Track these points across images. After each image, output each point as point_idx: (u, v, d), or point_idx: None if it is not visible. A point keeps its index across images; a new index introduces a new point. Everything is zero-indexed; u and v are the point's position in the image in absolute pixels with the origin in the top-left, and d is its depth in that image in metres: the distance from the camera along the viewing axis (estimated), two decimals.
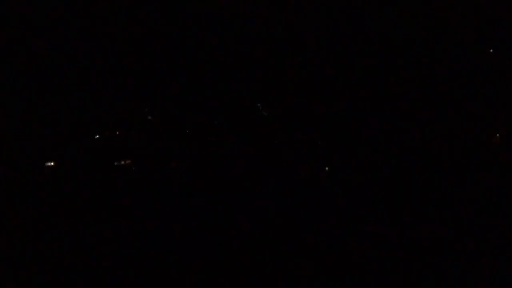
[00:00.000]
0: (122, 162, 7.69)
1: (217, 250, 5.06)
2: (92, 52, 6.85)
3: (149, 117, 7.26)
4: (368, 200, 6.01)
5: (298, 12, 6.98)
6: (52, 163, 6.90)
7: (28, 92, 6.59)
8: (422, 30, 6.96)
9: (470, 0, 6.99)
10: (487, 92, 6.92)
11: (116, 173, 6.81)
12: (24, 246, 5.00)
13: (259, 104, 6.80)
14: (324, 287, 4.35)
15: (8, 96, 6.57)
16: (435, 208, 5.79)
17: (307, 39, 6.94)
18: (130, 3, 6.83)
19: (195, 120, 6.87)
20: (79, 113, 6.83)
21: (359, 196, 6.12)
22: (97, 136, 7.73)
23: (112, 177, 6.60)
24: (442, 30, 7.00)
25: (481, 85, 6.92)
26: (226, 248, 5.11)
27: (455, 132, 6.94)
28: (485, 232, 5.16)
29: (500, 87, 7.00)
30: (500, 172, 6.44)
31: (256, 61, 6.78)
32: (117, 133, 7.75)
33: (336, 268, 4.64)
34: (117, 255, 4.95)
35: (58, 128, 6.75)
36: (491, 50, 7.45)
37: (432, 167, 6.53)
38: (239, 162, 6.57)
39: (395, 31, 6.97)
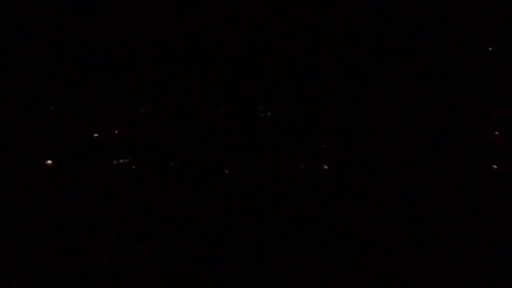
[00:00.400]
0: (121, 161, 7.67)
1: (216, 250, 5.06)
2: (92, 49, 6.84)
3: (149, 116, 7.25)
4: (367, 199, 6.02)
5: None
6: (50, 162, 6.87)
7: (28, 89, 6.57)
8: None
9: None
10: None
11: (115, 172, 6.79)
12: (24, 245, 5.00)
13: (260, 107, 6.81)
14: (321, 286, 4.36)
15: (7, 93, 6.56)
16: (436, 207, 5.81)
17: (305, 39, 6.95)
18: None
19: (195, 118, 6.86)
20: (78, 111, 6.80)
21: (358, 195, 6.13)
22: (96, 135, 7.72)
23: (110, 176, 6.58)
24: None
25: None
26: (225, 248, 5.11)
27: (456, 129, 6.95)
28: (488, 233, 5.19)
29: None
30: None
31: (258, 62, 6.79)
32: (116, 132, 7.74)
33: (334, 268, 4.64)
34: (117, 255, 4.94)
35: (57, 126, 6.73)
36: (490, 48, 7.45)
37: (433, 167, 6.54)
38: (238, 161, 6.56)
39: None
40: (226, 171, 6.80)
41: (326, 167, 6.69)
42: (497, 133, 7.03)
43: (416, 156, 6.64)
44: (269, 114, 6.90)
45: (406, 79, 6.74)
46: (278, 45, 6.95)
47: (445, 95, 6.66)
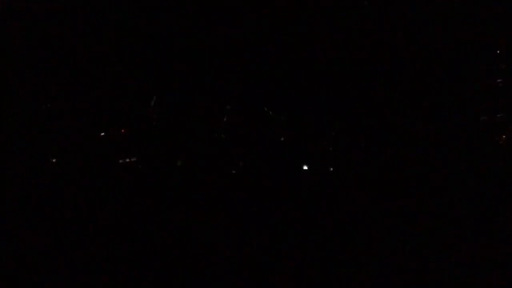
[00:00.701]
0: (127, 160, 7.70)
1: (221, 250, 5.06)
2: (96, 48, 6.87)
3: (155, 115, 7.27)
4: (372, 201, 6.00)
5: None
6: (54, 160, 6.89)
7: (31, 88, 6.61)
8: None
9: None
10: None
11: (121, 171, 6.81)
12: (25, 245, 5.01)
13: (265, 108, 6.81)
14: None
15: (10, 91, 6.59)
16: (442, 210, 5.79)
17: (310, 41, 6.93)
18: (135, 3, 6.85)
19: (202, 118, 6.87)
20: (84, 110, 6.83)
21: (363, 197, 6.12)
22: (102, 134, 7.75)
23: (116, 175, 6.60)
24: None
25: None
26: (230, 248, 5.11)
27: (461, 131, 6.92)
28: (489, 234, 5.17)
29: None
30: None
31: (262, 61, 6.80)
32: (122, 131, 7.77)
33: (337, 270, 4.63)
34: (119, 255, 4.95)
35: (62, 124, 6.76)
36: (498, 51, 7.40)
37: (439, 168, 6.52)
38: (243, 161, 6.56)
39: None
40: (233, 171, 6.81)
41: (331, 168, 6.68)
42: (504, 136, 6.98)
43: (423, 158, 6.61)
44: (273, 114, 6.91)
45: (414, 80, 6.72)
46: (284, 45, 6.94)
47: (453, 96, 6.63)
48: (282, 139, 6.62)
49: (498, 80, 7.05)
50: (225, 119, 6.66)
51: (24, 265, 4.61)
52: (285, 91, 6.73)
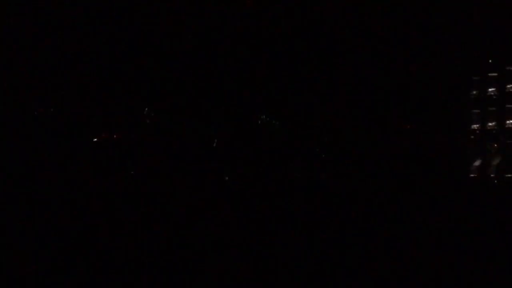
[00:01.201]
0: (120, 165, 7.67)
1: (213, 252, 5.07)
2: (92, 54, 6.87)
3: (148, 121, 7.27)
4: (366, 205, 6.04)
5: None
6: (47, 164, 6.86)
7: (28, 93, 6.59)
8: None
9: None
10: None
11: (114, 175, 6.80)
12: (22, 245, 4.98)
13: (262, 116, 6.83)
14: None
15: (8, 96, 6.58)
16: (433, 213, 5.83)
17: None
18: (131, 5, 6.87)
19: (195, 123, 6.88)
20: (78, 116, 6.82)
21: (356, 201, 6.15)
22: (95, 139, 7.74)
23: (109, 179, 6.59)
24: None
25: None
26: (222, 251, 5.12)
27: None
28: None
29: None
30: None
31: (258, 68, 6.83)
32: (115, 136, 7.76)
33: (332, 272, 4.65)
34: (114, 255, 4.94)
35: (57, 130, 6.74)
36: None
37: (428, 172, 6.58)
38: (237, 166, 6.59)
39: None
40: (226, 178, 6.83)
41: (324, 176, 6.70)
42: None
43: (413, 165, 6.67)
44: (268, 119, 6.94)
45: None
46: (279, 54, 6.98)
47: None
48: (276, 143, 6.66)
49: (490, 90, 7.15)
50: (219, 124, 6.71)
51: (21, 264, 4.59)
52: (279, 96, 6.76)
